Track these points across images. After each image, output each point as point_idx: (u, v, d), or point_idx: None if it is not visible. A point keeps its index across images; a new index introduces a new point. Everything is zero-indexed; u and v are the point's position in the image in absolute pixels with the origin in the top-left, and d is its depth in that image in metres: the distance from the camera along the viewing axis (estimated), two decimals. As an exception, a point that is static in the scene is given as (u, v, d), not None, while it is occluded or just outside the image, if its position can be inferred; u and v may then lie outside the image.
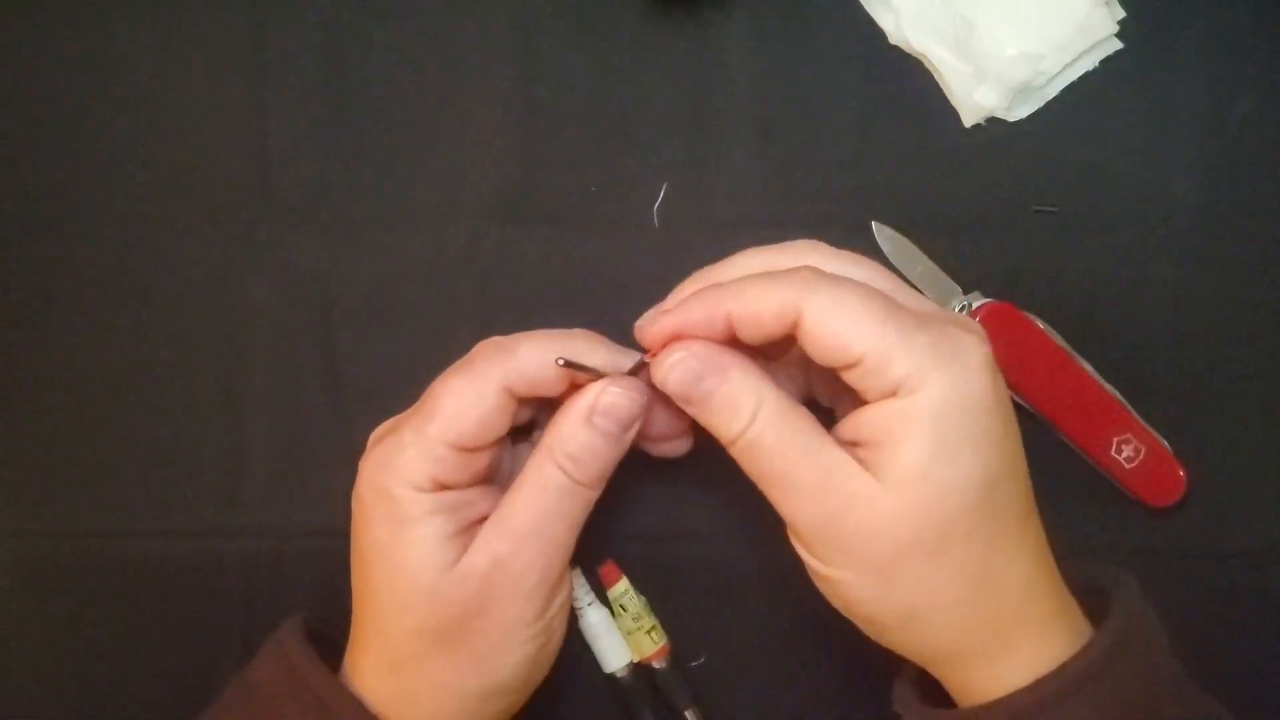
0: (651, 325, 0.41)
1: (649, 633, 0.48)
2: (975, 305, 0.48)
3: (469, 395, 0.41)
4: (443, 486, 0.41)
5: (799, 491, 0.39)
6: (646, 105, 0.49)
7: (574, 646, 0.48)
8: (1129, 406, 0.48)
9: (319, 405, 0.49)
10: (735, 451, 0.40)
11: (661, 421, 0.44)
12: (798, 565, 0.41)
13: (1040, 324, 0.47)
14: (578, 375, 0.42)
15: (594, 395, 0.41)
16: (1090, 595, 0.41)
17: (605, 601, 0.49)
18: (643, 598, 0.48)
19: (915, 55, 0.49)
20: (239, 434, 0.50)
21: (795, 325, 0.38)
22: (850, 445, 0.39)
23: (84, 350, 0.50)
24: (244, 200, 0.50)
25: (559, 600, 0.42)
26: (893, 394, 0.37)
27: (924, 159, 0.49)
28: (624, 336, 0.44)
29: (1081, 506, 0.49)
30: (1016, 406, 0.48)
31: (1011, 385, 0.48)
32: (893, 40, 0.49)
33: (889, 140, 0.49)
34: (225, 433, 0.50)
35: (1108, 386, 0.48)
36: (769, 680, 0.49)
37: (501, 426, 0.42)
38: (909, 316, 0.38)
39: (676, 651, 0.49)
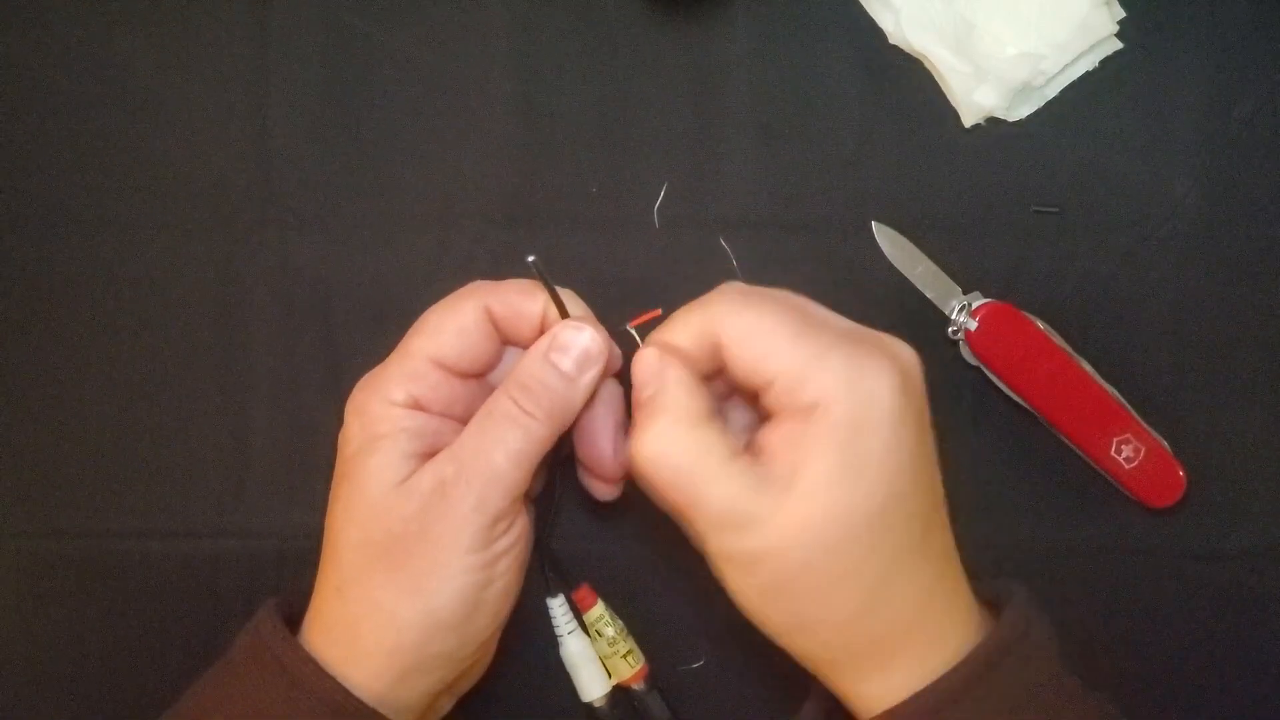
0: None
1: (625, 656, 0.48)
2: (975, 305, 0.48)
3: (448, 312, 0.43)
4: (418, 406, 0.42)
5: (703, 511, 0.39)
6: (646, 105, 0.49)
7: (557, 676, 0.48)
8: (1129, 406, 0.48)
9: (320, 407, 0.49)
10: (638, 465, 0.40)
11: (605, 443, 0.44)
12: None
13: (1040, 324, 0.47)
14: (550, 308, 0.43)
15: (553, 332, 0.42)
16: (988, 607, 0.41)
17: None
18: (619, 621, 0.48)
19: (915, 55, 0.49)
20: (240, 435, 0.50)
21: (719, 350, 0.40)
22: (760, 461, 0.39)
23: (85, 350, 0.50)
24: (245, 203, 0.50)
25: (502, 541, 0.41)
26: (804, 413, 0.38)
27: (924, 159, 0.49)
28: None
29: (1081, 506, 0.49)
30: (1016, 406, 0.48)
31: (1012, 385, 0.48)
32: (893, 40, 0.49)
33: (889, 140, 0.49)
34: (226, 434, 0.50)
35: (1108, 386, 0.48)
36: (768, 682, 0.49)
37: (479, 349, 0.43)
38: (824, 335, 0.39)
39: (674, 655, 0.49)
